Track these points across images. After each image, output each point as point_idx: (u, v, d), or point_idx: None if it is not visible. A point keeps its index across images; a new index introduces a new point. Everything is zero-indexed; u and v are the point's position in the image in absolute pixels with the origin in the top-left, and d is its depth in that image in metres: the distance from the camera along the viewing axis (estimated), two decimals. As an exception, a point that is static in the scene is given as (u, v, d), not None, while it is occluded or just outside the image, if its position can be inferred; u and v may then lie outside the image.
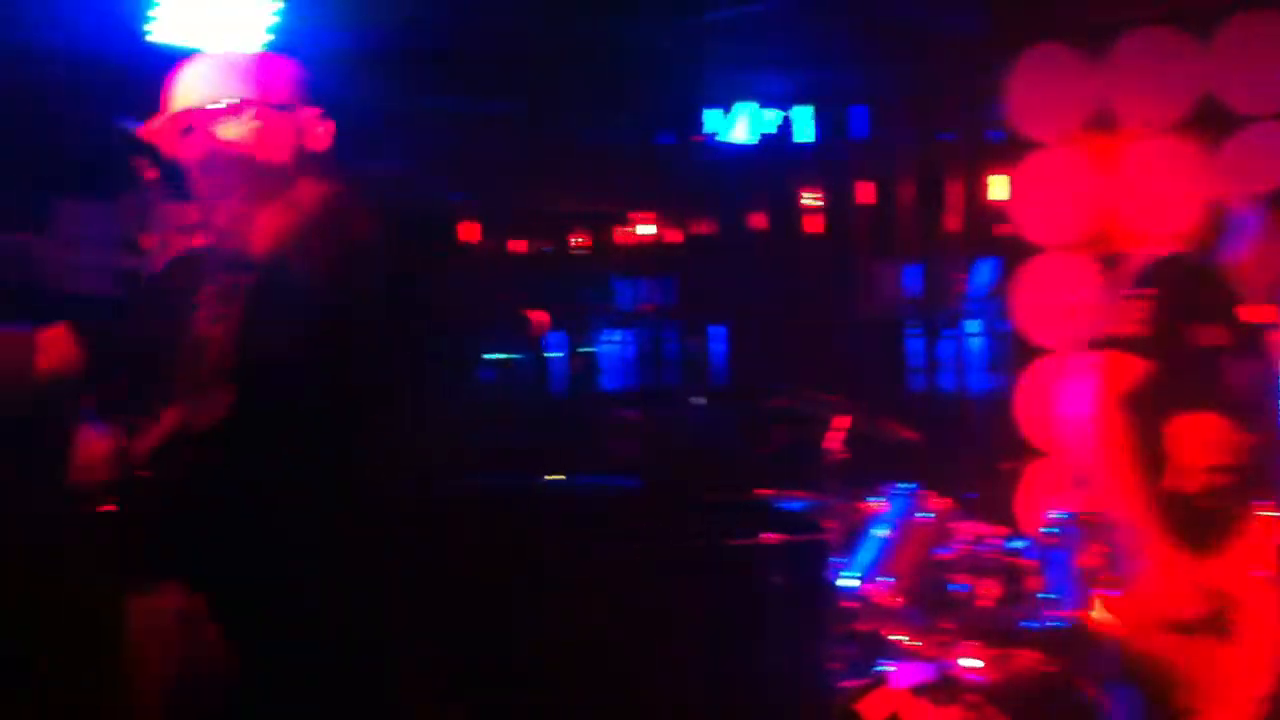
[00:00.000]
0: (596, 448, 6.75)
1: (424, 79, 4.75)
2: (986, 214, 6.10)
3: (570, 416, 7.38)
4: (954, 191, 6.25)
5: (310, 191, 2.28)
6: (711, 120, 7.00)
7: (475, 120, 5.72)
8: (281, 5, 4.35)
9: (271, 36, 4.37)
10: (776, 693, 4.48)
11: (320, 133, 2.34)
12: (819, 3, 5.73)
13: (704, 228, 7.42)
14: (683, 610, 4.89)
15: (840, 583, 4.08)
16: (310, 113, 2.34)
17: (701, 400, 7.13)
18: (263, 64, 2.36)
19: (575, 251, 7.73)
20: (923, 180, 6.39)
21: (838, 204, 6.84)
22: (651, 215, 7.52)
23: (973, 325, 6.27)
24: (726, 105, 6.98)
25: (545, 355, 7.50)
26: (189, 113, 2.28)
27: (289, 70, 2.36)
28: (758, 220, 7.14)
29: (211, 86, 2.30)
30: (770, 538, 4.56)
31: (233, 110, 2.28)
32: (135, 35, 4.30)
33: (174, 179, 2.25)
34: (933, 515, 4.08)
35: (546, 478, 4.78)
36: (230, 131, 2.27)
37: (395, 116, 2.33)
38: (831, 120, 6.85)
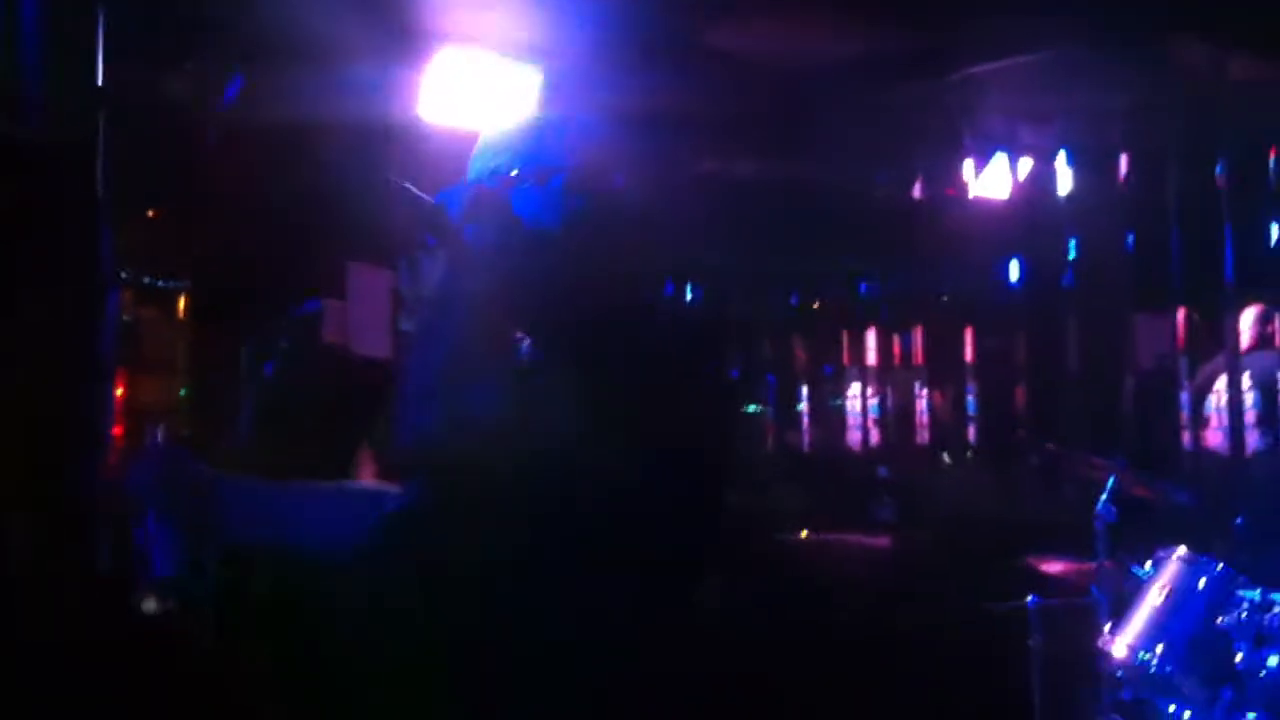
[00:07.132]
0: (848, 505, 6.69)
1: (691, 145, 4.80)
2: (1261, 264, 5.83)
3: (819, 473, 7.34)
4: (1226, 240, 5.99)
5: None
6: (964, 172, 6.90)
7: (730, 183, 5.78)
8: (543, 79, 4.47)
9: (535, 112, 4.48)
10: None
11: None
12: (1084, 55, 5.58)
13: (958, 282, 7.30)
14: (948, 672, 4.79)
15: (1110, 650, 3.94)
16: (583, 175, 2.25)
17: (955, 458, 6.99)
18: (544, 132, 2.32)
19: (822, 307, 7.71)
20: (1192, 229, 6.15)
21: (1100, 255, 6.63)
22: (901, 269, 7.44)
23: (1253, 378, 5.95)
24: (979, 157, 6.87)
25: (794, 409, 7.49)
26: (482, 183, 2.26)
27: (569, 138, 2.30)
28: (1013, 273, 6.99)
29: (499, 157, 2.29)
30: (1036, 601, 4.43)
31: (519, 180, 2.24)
32: (409, 110, 4.48)
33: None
34: (1209, 580, 3.90)
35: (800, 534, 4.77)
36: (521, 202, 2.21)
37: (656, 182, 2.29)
38: (1092, 170, 6.66)
